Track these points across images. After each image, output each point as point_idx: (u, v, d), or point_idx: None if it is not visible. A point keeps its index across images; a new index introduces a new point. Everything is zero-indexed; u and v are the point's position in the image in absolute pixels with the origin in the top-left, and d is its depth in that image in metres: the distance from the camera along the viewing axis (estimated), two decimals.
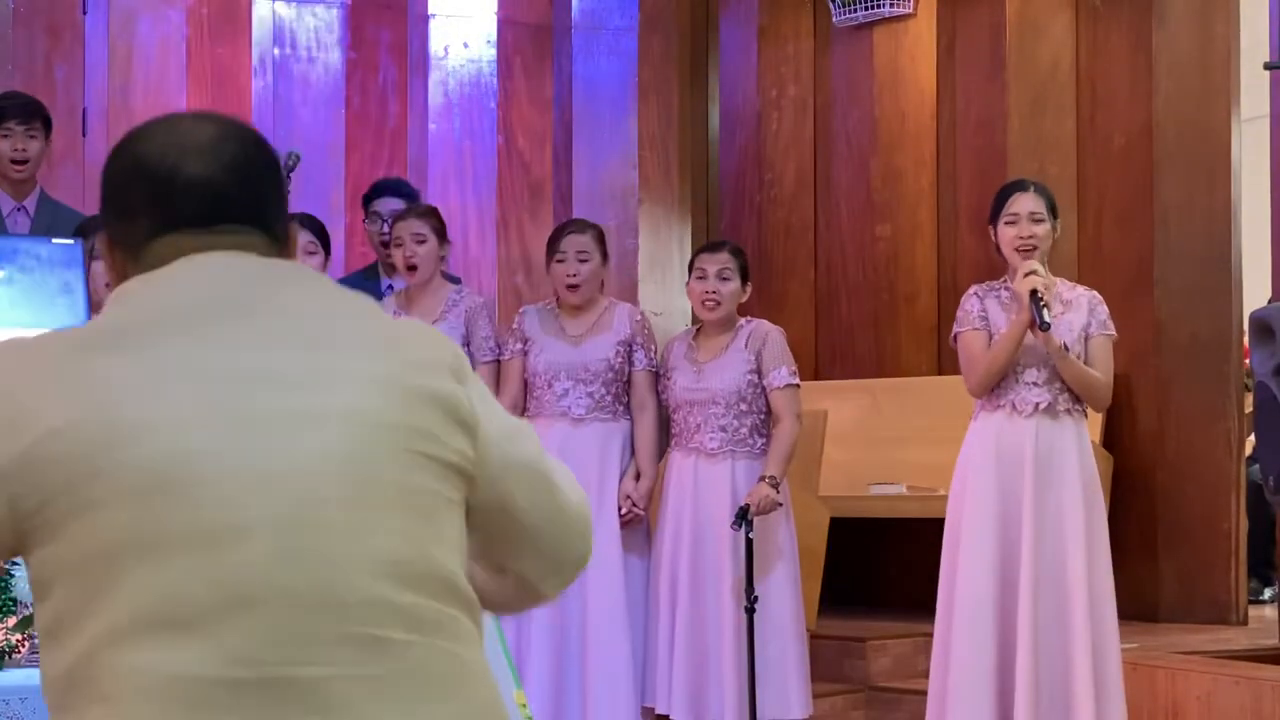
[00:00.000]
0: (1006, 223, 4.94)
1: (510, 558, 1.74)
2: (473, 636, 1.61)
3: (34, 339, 1.61)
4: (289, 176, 4.99)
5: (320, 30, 7.53)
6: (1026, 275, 4.82)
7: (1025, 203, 4.95)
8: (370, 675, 1.51)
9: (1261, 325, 5.93)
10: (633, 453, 5.43)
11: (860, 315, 8.12)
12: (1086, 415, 5.02)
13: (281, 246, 1.70)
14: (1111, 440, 7.17)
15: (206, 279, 1.61)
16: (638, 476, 5.38)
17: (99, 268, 5.83)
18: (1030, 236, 4.91)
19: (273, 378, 1.55)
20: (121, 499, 1.49)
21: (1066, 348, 4.87)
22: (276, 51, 7.49)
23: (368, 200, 6.34)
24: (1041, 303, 4.75)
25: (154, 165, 1.65)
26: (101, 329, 1.59)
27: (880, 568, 7.71)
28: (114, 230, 1.69)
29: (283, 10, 7.48)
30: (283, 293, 1.62)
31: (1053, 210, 4.99)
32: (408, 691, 1.53)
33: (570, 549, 1.78)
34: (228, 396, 1.53)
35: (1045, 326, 4.75)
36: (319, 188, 7.40)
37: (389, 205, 6.12)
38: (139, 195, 1.66)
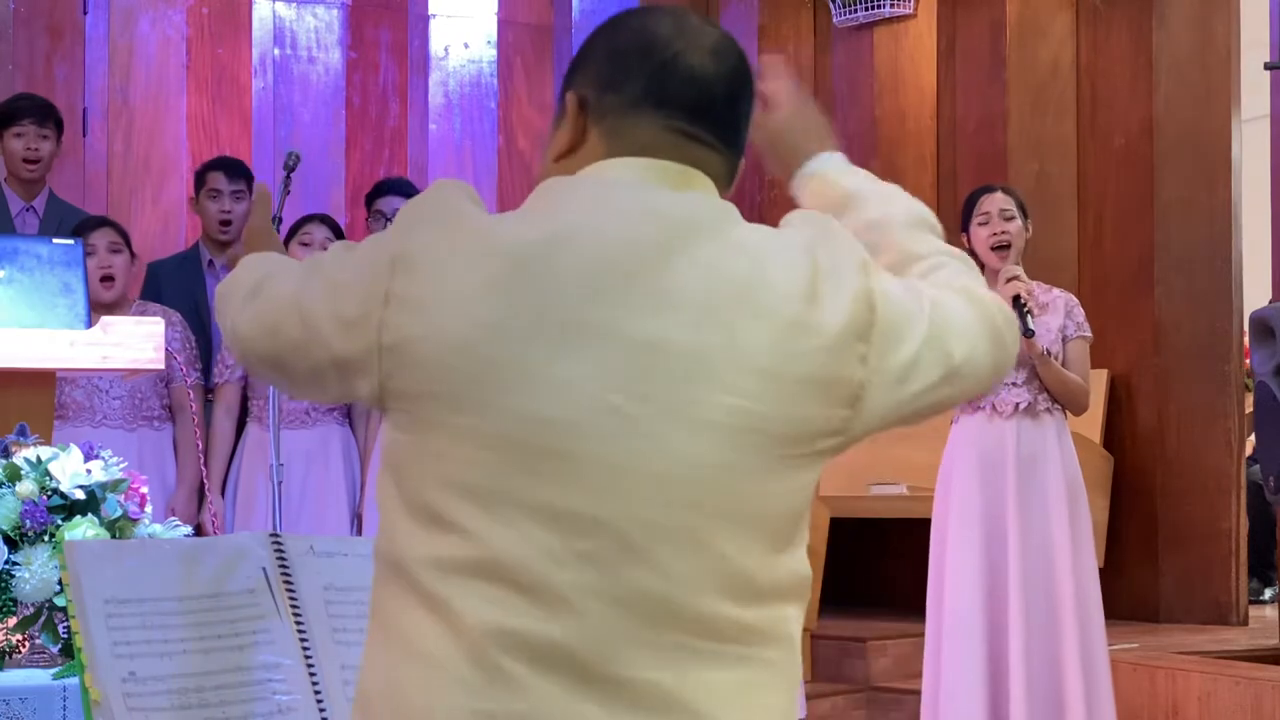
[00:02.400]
0: (979, 223, 4.99)
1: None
2: (792, 626, 1.60)
3: (465, 216, 1.58)
4: (289, 176, 4.99)
5: (321, 30, 7.54)
6: (1009, 281, 4.83)
7: (995, 202, 4.99)
8: (687, 692, 1.51)
9: (1262, 325, 5.94)
10: None
11: None
12: (1066, 415, 5.04)
13: (731, 178, 1.68)
14: (1111, 440, 7.17)
15: (632, 213, 1.56)
16: None
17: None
18: (1003, 233, 4.94)
19: (667, 352, 1.51)
20: (492, 442, 1.50)
21: (1049, 352, 4.89)
22: (277, 52, 7.50)
23: (371, 199, 6.33)
24: (1025, 309, 4.77)
25: (659, 44, 1.64)
26: (512, 240, 1.54)
27: (880, 568, 7.71)
28: (592, 94, 1.65)
29: (283, 10, 7.48)
30: (704, 247, 1.56)
31: (1023, 209, 5.01)
32: (715, 711, 1.53)
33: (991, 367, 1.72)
34: (621, 366, 1.50)
35: (1029, 333, 4.77)
36: (319, 187, 7.41)
37: (393, 204, 6.12)
38: (637, 67, 1.64)
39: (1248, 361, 6.69)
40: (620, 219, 1.56)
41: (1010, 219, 4.96)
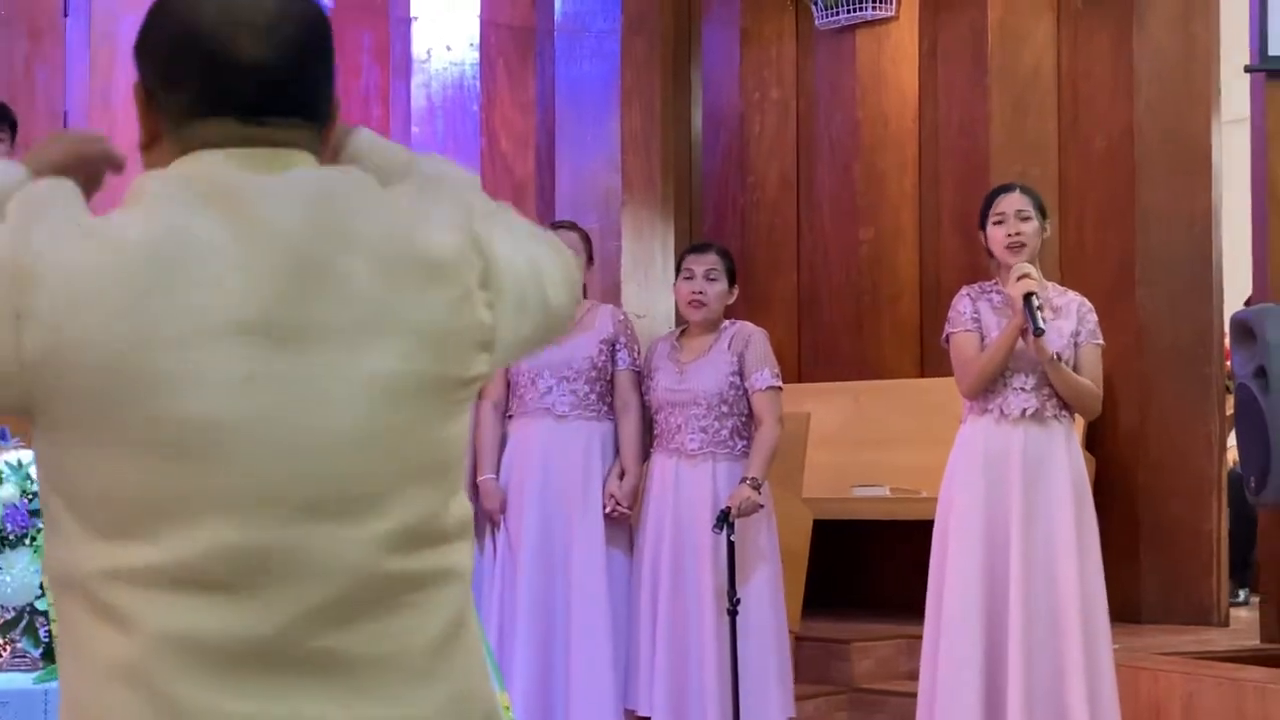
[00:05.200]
0: (994, 223, 4.95)
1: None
2: (466, 565, 1.62)
3: (86, 223, 1.53)
4: None
5: None
6: (1020, 278, 4.81)
7: (1012, 202, 4.96)
8: (384, 648, 1.53)
9: (1243, 327, 5.95)
10: (617, 452, 5.44)
11: (843, 317, 8.13)
12: (1074, 420, 5.03)
13: (323, 137, 1.65)
14: (1094, 442, 7.18)
15: (236, 197, 1.53)
16: (622, 475, 5.39)
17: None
18: (1019, 234, 4.91)
19: (308, 326, 1.51)
20: (151, 448, 1.48)
21: (1059, 357, 4.87)
22: None
23: None
24: (1037, 307, 4.74)
25: (206, 35, 1.57)
26: (135, 242, 1.50)
27: (864, 569, 7.72)
28: (155, 88, 1.60)
29: None
30: (322, 215, 1.55)
31: (1040, 209, 4.99)
32: (414, 664, 1.55)
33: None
34: (265, 350, 1.50)
35: (1040, 332, 4.74)
36: None
37: None
38: (186, 66, 1.58)
39: (1229, 364, 6.71)
40: (234, 205, 1.53)
41: (1026, 219, 4.94)
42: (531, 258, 1.69)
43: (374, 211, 1.58)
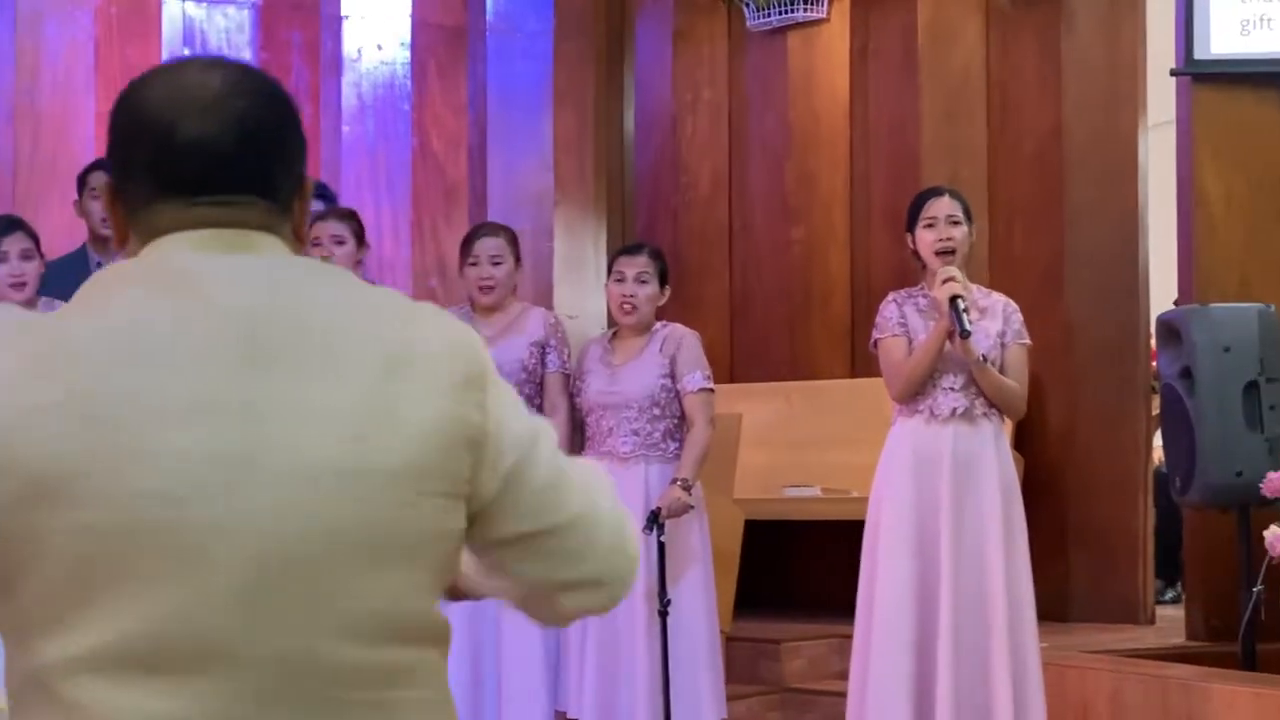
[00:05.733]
0: (925, 226, 4.98)
1: (521, 565, 1.65)
2: (440, 671, 1.58)
3: (22, 327, 1.51)
4: None
5: (231, 31, 7.47)
6: (945, 281, 4.84)
7: (942, 206, 4.98)
8: None
9: (1169, 328, 6.02)
10: None
11: (775, 318, 8.16)
12: (1004, 419, 5.07)
13: (286, 210, 1.61)
14: (1022, 441, 7.24)
15: (187, 281, 1.52)
16: None
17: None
18: (949, 239, 4.94)
19: (258, 411, 1.48)
20: (90, 535, 1.44)
21: (985, 358, 4.90)
22: (187, 52, 7.42)
23: None
24: (963, 309, 4.78)
25: (152, 120, 1.56)
26: (77, 334, 1.49)
27: (795, 570, 7.75)
28: (117, 182, 1.61)
29: (193, 10, 7.41)
30: (276, 298, 1.53)
31: (968, 214, 5.03)
32: None
33: (595, 567, 1.66)
34: (220, 431, 1.47)
35: (966, 334, 4.78)
36: None
37: (312, 208, 6.07)
38: (136, 153, 1.57)
39: (1155, 364, 6.78)
40: (184, 289, 1.52)
41: (956, 224, 4.97)
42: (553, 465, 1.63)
43: (334, 297, 1.55)
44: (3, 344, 1.49)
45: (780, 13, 8.07)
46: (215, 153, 1.56)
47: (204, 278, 1.53)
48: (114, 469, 1.45)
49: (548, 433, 1.66)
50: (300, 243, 1.66)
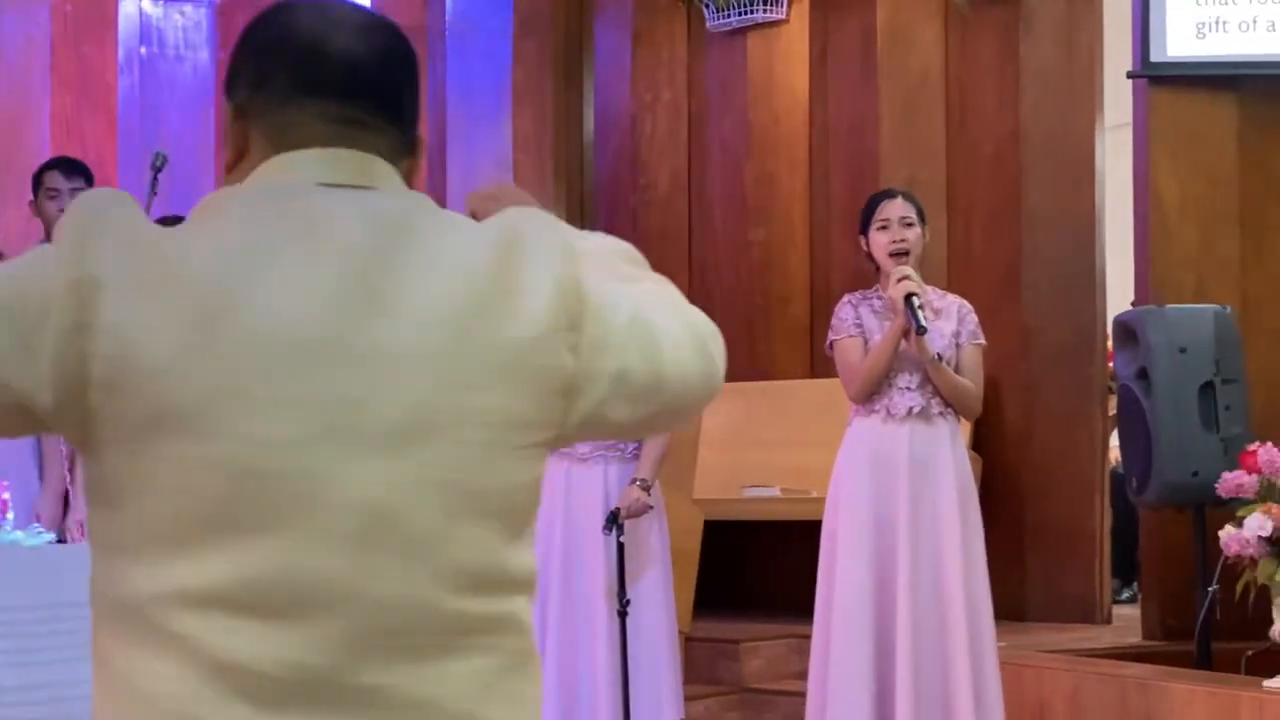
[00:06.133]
0: (878, 228, 4.99)
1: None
2: (527, 618, 1.60)
3: (153, 234, 1.52)
4: (156, 177, 4.91)
5: (189, 29, 7.43)
6: (900, 280, 4.86)
7: (895, 208, 5.00)
8: (430, 689, 1.51)
9: (1125, 329, 6.05)
10: None
11: (734, 319, 8.15)
12: (960, 419, 5.09)
13: (408, 152, 1.65)
14: (980, 442, 7.27)
15: (307, 215, 1.53)
16: None
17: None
18: (902, 240, 4.96)
19: (378, 357, 1.50)
20: (202, 470, 1.46)
21: (940, 357, 4.92)
22: (144, 50, 7.38)
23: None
24: (918, 306, 4.80)
25: (302, 34, 1.61)
26: (199, 258, 1.50)
27: (754, 570, 7.76)
28: (244, 99, 1.63)
29: (150, 8, 7.37)
30: (394, 237, 1.54)
31: (921, 216, 5.05)
32: (458, 711, 1.52)
33: (685, 394, 1.67)
34: (337, 378, 1.48)
35: (922, 331, 4.80)
36: (187, 189, 7.29)
37: None
38: (281, 61, 1.61)
39: (1111, 365, 6.82)
40: (305, 228, 1.53)
41: (910, 225, 4.98)
42: (646, 319, 1.63)
43: (447, 240, 1.56)
44: (127, 248, 1.49)
45: (740, 14, 8.08)
46: (361, 68, 1.61)
47: (325, 212, 1.54)
48: (230, 408, 1.46)
49: (634, 309, 1.63)
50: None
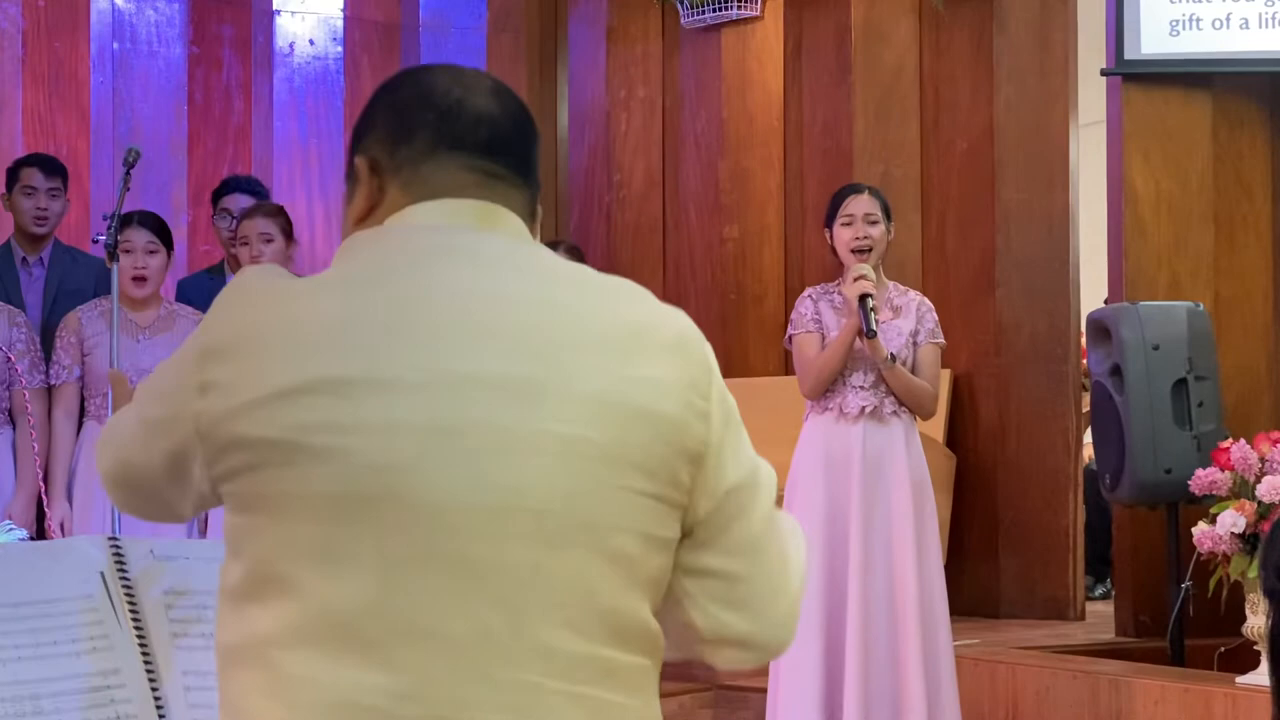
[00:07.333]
0: (842, 224, 5.00)
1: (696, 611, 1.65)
2: (647, 680, 1.59)
3: (268, 284, 1.59)
4: (129, 173, 4.89)
5: (161, 24, 7.40)
6: (856, 279, 4.87)
7: (860, 204, 5.01)
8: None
9: (1098, 326, 6.06)
10: None
11: (708, 316, 8.15)
12: (915, 417, 5.09)
13: (532, 214, 1.71)
14: (954, 439, 7.28)
15: (433, 259, 1.58)
16: None
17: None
18: (866, 237, 4.97)
19: (493, 384, 1.51)
20: (322, 499, 1.48)
21: (893, 357, 4.92)
22: (116, 45, 7.35)
23: (217, 196, 6.22)
24: (870, 308, 4.81)
25: (440, 94, 1.68)
26: (323, 305, 1.55)
27: None
28: (381, 152, 1.68)
29: (122, 3, 7.34)
30: (518, 280, 1.58)
31: (887, 213, 5.05)
32: None
33: (763, 632, 1.68)
34: (441, 405, 1.50)
35: (872, 334, 4.81)
36: (160, 184, 7.27)
37: (239, 203, 6.02)
38: (423, 116, 1.67)
39: (1085, 362, 6.83)
40: (429, 258, 1.58)
41: (874, 223, 4.99)
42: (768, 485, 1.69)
43: (573, 287, 1.61)
44: (256, 310, 1.55)
45: (714, 10, 8.08)
46: (498, 126, 1.69)
47: (450, 256, 1.58)
48: (345, 443, 1.48)
49: (768, 473, 1.70)
50: None
